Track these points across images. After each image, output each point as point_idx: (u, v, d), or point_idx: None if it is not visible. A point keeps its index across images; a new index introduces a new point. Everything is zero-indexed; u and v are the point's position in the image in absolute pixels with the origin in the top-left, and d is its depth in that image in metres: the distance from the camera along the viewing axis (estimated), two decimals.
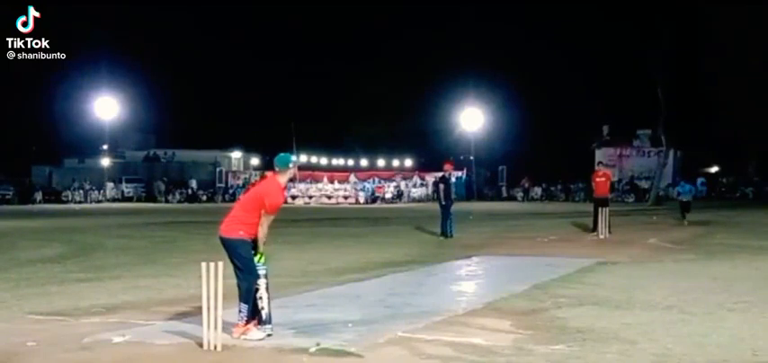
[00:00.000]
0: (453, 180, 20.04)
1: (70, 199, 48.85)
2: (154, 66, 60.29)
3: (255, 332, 6.21)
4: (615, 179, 38.23)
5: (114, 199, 50.48)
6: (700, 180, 49.36)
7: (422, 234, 18.33)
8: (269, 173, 6.60)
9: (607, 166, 25.04)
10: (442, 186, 17.89)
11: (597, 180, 18.41)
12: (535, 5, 63.11)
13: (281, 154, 6.61)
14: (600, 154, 50.49)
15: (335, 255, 13.55)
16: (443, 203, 17.28)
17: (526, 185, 52.18)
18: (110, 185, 52.13)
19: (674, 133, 43.29)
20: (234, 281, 6.23)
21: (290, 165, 6.56)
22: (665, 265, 11.60)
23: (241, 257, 6.23)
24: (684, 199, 22.75)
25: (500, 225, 23.28)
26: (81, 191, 49.67)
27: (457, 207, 18.68)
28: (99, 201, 49.18)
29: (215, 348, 5.84)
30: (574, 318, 7.09)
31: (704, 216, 25.42)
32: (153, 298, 8.61)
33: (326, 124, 64.21)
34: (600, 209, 17.31)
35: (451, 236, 16.84)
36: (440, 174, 19.75)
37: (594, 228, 17.34)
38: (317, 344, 5.90)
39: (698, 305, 7.76)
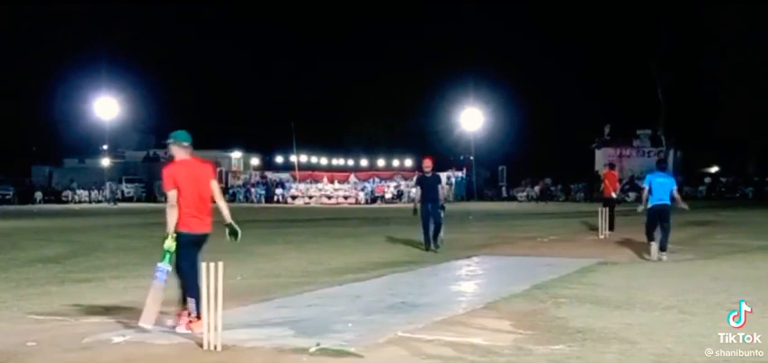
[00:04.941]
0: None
1: (70, 199, 48.90)
2: (154, 66, 60.40)
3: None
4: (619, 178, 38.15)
5: (117, 200, 50.53)
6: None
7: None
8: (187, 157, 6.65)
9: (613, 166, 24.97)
10: (417, 189, 14.67)
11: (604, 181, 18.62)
12: (535, 6, 63.20)
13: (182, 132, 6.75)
14: (600, 154, 50.51)
15: (335, 255, 13.55)
16: (422, 209, 14.10)
17: (525, 190, 52.26)
18: (111, 185, 52.19)
19: (674, 133, 43.36)
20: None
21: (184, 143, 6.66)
22: (665, 265, 11.59)
23: None
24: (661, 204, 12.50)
25: (500, 225, 23.28)
26: (82, 191, 49.70)
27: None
28: (99, 201, 49.21)
29: (215, 348, 5.84)
30: (574, 318, 7.09)
31: (704, 216, 25.41)
32: None
33: (326, 124, 64.30)
34: (600, 209, 17.39)
35: (434, 248, 13.92)
36: (420, 173, 15.26)
37: (612, 228, 17.34)
38: (317, 344, 5.90)
39: (698, 305, 7.76)
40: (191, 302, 6.35)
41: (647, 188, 12.59)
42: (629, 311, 7.51)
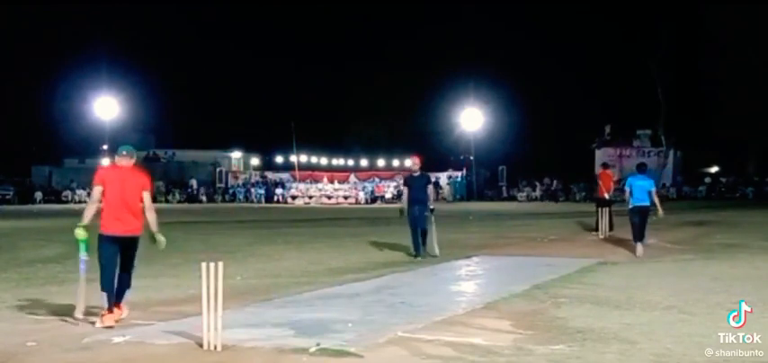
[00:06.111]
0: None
1: (70, 199, 48.92)
2: (154, 66, 60.40)
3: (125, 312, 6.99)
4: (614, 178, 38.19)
5: None
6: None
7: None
8: (125, 163, 7.14)
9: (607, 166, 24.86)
10: (405, 189, 13.40)
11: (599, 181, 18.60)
12: (535, 6, 63.21)
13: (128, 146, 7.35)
14: (600, 154, 50.52)
15: (335, 255, 13.54)
16: (409, 212, 12.96)
17: (525, 191, 52.34)
18: None
19: (674, 133, 43.33)
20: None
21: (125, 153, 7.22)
22: (665, 265, 11.60)
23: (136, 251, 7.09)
24: (641, 205, 13.36)
25: (500, 225, 23.29)
26: (81, 191, 49.67)
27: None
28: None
29: (215, 348, 5.84)
30: (574, 318, 7.09)
31: (704, 216, 25.42)
32: (153, 298, 8.60)
33: (326, 124, 64.28)
34: (599, 209, 17.40)
35: (423, 255, 12.73)
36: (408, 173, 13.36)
37: (596, 227, 17.37)
38: (317, 344, 5.90)
39: (698, 305, 7.76)
40: (102, 295, 6.84)
41: (628, 190, 13.65)
42: (629, 311, 7.51)
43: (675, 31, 39.38)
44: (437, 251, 13.00)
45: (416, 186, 13.01)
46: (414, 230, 12.87)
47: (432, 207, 13.10)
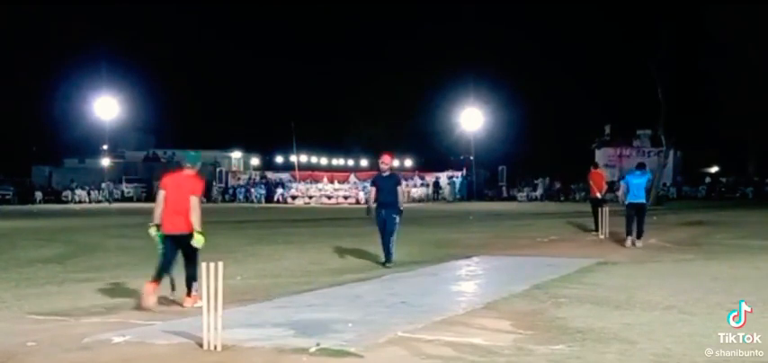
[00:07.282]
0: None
1: (70, 199, 48.95)
2: (154, 66, 60.47)
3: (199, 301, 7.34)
4: (614, 178, 38.24)
5: (115, 199, 50.59)
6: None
7: (421, 235, 18.31)
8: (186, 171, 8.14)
9: (607, 166, 24.91)
10: (373, 190, 12.29)
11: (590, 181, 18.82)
12: (535, 6, 63.26)
13: (194, 154, 8.61)
14: (600, 155, 50.54)
15: (335, 255, 13.54)
16: (377, 215, 11.95)
17: (525, 191, 52.35)
18: (109, 184, 52.18)
19: (674, 133, 43.28)
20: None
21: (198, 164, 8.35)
22: (665, 265, 11.59)
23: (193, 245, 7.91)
24: (637, 202, 14.50)
25: (500, 225, 23.29)
26: (81, 191, 49.73)
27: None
28: (99, 201, 49.26)
29: (215, 348, 5.83)
30: (574, 318, 7.09)
31: (704, 216, 25.42)
32: None
33: (326, 124, 64.34)
34: (597, 209, 17.41)
35: (385, 262, 11.77)
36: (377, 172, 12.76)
37: (596, 228, 17.39)
38: (317, 344, 5.90)
39: (698, 305, 7.76)
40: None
41: (624, 187, 14.66)
42: (629, 311, 7.51)
43: (675, 31, 39.28)
44: (392, 262, 11.79)
45: (385, 188, 11.97)
46: (382, 234, 11.92)
47: (401, 208, 12.08)
